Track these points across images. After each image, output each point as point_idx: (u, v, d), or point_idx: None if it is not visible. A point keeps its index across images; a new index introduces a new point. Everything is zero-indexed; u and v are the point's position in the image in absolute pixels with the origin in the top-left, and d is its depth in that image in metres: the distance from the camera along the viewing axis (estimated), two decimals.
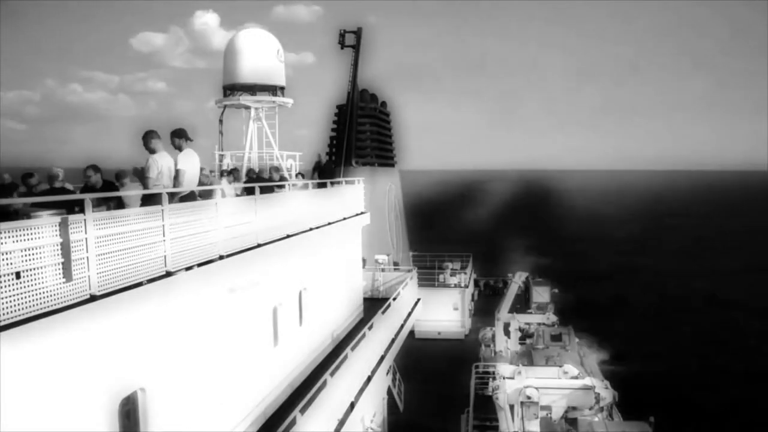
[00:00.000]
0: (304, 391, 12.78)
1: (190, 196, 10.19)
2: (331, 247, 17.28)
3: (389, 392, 22.04)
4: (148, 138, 9.60)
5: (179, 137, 10.24)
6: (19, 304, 5.93)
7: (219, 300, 10.47)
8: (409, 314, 23.50)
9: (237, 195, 12.51)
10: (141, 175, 9.67)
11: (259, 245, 11.57)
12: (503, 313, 26.94)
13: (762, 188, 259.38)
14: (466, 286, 36.22)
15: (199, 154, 10.74)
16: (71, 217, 6.68)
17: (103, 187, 8.99)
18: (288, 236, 13.27)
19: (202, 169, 11.97)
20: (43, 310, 6.23)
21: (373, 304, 20.70)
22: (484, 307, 35.71)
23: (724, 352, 39.70)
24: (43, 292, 6.25)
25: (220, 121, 21.22)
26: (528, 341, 25.26)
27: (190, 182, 10.24)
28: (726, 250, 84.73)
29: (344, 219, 18.34)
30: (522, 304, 27.96)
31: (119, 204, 8.51)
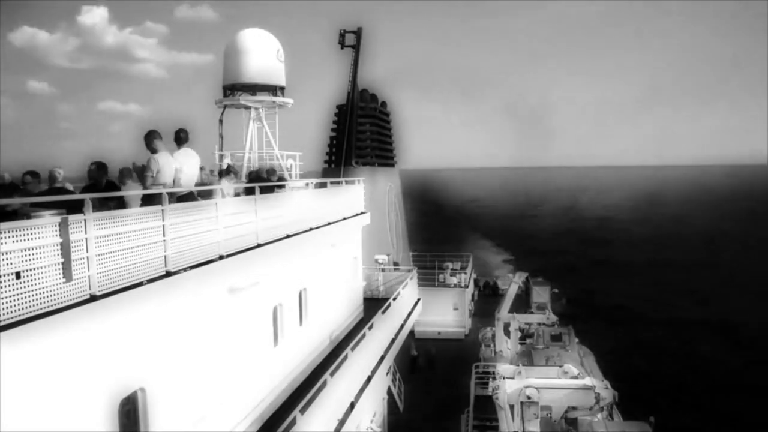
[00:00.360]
0: (304, 391, 12.77)
1: (188, 196, 10.19)
2: (331, 247, 17.27)
3: (389, 392, 22.04)
4: (150, 138, 9.59)
5: (180, 138, 10.29)
6: (19, 304, 5.94)
7: (219, 300, 10.47)
8: (409, 314, 23.49)
9: (237, 194, 12.51)
10: (141, 173, 9.67)
11: (259, 245, 11.57)
12: (503, 313, 26.95)
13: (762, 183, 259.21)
14: (466, 286, 36.23)
15: (199, 155, 10.77)
16: (71, 217, 6.68)
17: (105, 187, 9.00)
18: (288, 236, 13.27)
19: (202, 168, 11.97)
20: (43, 310, 6.23)
21: (373, 304, 20.69)
22: (484, 307, 35.75)
23: (724, 352, 39.71)
24: (43, 292, 6.26)
25: (220, 121, 21.21)
26: (528, 341, 25.24)
27: (188, 182, 10.24)
28: (727, 248, 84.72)
29: (344, 219, 18.34)
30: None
31: (120, 204, 8.52)
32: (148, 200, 8.79)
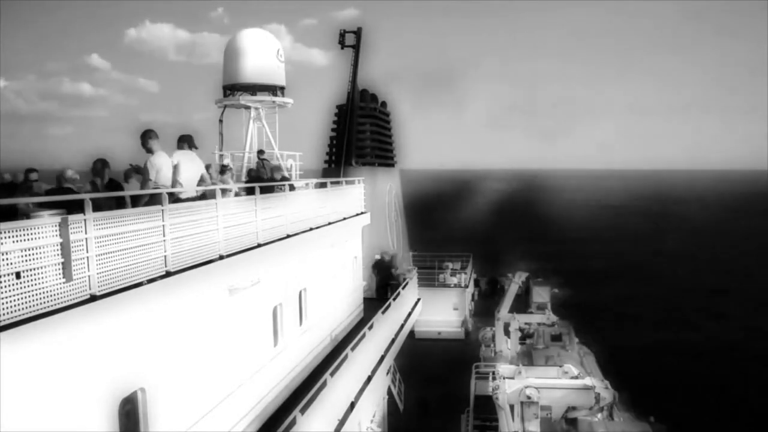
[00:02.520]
0: (304, 391, 12.78)
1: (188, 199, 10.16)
2: (332, 247, 17.28)
3: (389, 392, 22.03)
4: (145, 138, 9.50)
5: (182, 142, 10.27)
6: (19, 304, 5.94)
7: (219, 300, 10.47)
8: (409, 314, 23.50)
9: (236, 194, 12.51)
10: (141, 173, 9.67)
11: (259, 245, 11.57)
12: (503, 313, 26.97)
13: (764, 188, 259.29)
14: (466, 286, 36.22)
15: (201, 158, 10.79)
16: (71, 217, 6.68)
17: (108, 185, 9.03)
18: (288, 236, 13.27)
19: (208, 166, 12.00)
20: (43, 310, 6.23)
21: (373, 304, 20.69)
22: (484, 308, 35.73)
23: (724, 352, 39.70)
24: (43, 292, 6.26)
25: (220, 121, 21.21)
26: (528, 341, 25.26)
27: (187, 184, 10.18)
28: (727, 249, 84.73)
29: (344, 219, 18.34)
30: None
31: (121, 204, 8.51)
32: (149, 201, 8.76)
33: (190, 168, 10.26)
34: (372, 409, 17.67)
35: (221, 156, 20.44)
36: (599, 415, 16.60)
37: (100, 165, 9.18)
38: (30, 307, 6.08)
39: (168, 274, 8.45)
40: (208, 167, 12.13)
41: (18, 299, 5.93)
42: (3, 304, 5.75)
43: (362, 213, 20.54)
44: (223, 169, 14.00)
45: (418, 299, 26.15)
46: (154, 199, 8.66)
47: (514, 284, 28.62)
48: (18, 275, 5.94)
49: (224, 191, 10.86)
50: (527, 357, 22.49)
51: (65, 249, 6.52)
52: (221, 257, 10.05)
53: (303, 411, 10.92)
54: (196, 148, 10.46)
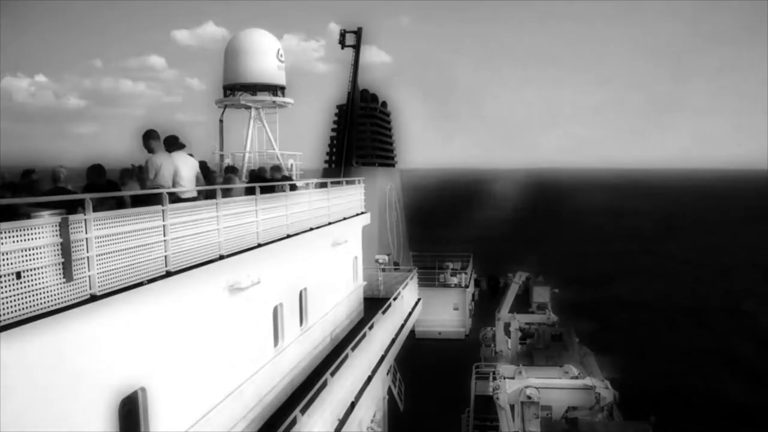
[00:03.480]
0: (304, 391, 12.77)
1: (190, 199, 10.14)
2: (332, 247, 17.27)
3: (389, 392, 22.02)
4: (146, 138, 9.58)
5: (171, 145, 10.23)
6: (19, 304, 5.94)
7: (219, 300, 10.47)
8: (410, 314, 23.48)
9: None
10: (139, 174, 9.66)
11: (259, 245, 11.57)
12: (503, 313, 26.99)
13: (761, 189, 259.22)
14: (467, 286, 36.23)
15: (198, 155, 10.78)
16: (71, 217, 6.68)
17: (105, 187, 9.00)
18: (288, 236, 13.27)
19: (213, 171, 11.99)
20: (43, 310, 6.23)
21: (373, 304, 20.67)
22: (484, 307, 35.75)
23: (724, 352, 39.71)
24: (44, 292, 6.25)
25: (221, 121, 21.22)
26: (528, 341, 25.28)
27: (188, 185, 10.18)
28: (727, 250, 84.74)
29: (344, 219, 18.34)
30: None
31: (120, 204, 8.50)
32: (144, 201, 8.71)
33: (185, 168, 10.25)
34: (372, 409, 17.67)
35: (221, 156, 20.45)
36: (599, 415, 16.61)
37: (91, 172, 9.11)
38: (30, 307, 6.07)
39: (168, 274, 8.45)
40: (204, 163, 12.13)
41: (18, 299, 5.93)
42: (3, 304, 5.75)
43: (362, 213, 20.53)
44: (229, 170, 14.03)
45: (419, 299, 26.13)
46: (154, 199, 8.65)
47: (514, 284, 28.63)
48: (18, 275, 5.94)
49: (224, 193, 10.85)
50: (527, 357, 22.52)
51: (65, 249, 6.52)
52: (221, 257, 10.05)
53: (303, 411, 10.91)
54: (184, 146, 10.43)
